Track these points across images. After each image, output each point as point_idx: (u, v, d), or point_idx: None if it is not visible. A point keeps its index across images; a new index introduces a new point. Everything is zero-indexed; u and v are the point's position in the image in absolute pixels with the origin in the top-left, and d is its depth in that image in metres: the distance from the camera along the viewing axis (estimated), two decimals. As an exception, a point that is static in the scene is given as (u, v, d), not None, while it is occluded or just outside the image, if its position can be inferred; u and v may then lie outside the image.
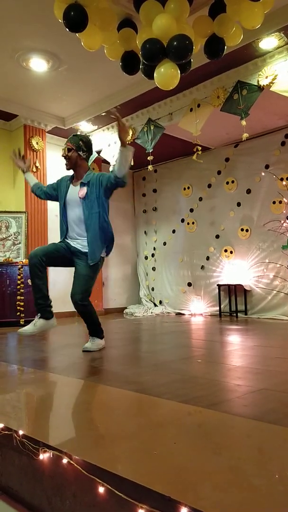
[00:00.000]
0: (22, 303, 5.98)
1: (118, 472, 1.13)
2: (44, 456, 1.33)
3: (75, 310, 3.42)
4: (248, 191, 6.79)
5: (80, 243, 3.40)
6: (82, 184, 3.38)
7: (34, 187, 3.73)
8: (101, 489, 1.12)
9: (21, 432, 1.45)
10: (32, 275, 3.29)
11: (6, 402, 2.02)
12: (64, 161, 3.43)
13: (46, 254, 3.29)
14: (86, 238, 3.36)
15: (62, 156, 3.43)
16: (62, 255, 3.40)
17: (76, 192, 3.40)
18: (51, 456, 1.31)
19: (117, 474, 1.12)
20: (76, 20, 3.54)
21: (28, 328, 3.29)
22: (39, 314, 3.33)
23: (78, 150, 3.38)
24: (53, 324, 3.42)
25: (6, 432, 1.53)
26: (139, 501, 1.02)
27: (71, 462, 1.23)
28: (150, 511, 1.00)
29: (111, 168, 3.29)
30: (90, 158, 7.02)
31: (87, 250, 3.35)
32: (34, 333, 3.31)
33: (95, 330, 3.51)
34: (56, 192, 3.59)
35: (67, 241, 3.45)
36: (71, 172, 3.53)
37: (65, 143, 3.45)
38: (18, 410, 1.90)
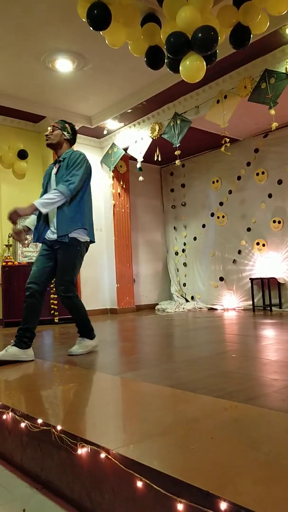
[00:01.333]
0: (55, 302, 6.07)
1: (155, 467, 1.13)
2: (82, 451, 1.35)
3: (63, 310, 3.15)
4: (279, 182, 6.64)
5: (53, 229, 3.17)
6: (58, 161, 3.28)
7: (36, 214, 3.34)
8: (139, 484, 1.13)
9: (59, 428, 1.48)
10: (24, 305, 3.21)
11: (44, 398, 2.06)
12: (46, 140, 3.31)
13: (35, 282, 3.13)
14: (57, 218, 3.13)
15: (45, 134, 3.33)
16: (51, 264, 3.19)
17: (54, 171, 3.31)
18: (89, 451, 1.33)
19: (155, 469, 1.12)
20: (99, 18, 3.56)
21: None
22: (13, 341, 3.12)
23: (63, 130, 3.30)
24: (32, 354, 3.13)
25: (44, 427, 1.56)
26: (177, 496, 1.02)
27: (109, 456, 1.25)
28: (189, 506, 1.00)
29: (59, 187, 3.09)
30: (117, 157, 7.05)
31: (64, 240, 3.09)
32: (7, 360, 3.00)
33: (84, 329, 3.28)
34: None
35: (48, 236, 3.19)
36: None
37: (50, 125, 3.40)
38: (55, 406, 1.94)
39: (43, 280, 3.14)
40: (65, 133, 3.31)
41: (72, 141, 3.39)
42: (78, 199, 3.16)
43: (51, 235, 3.16)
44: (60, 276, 3.15)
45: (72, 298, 3.17)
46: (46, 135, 3.30)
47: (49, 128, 3.36)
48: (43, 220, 3.22)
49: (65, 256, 3.13)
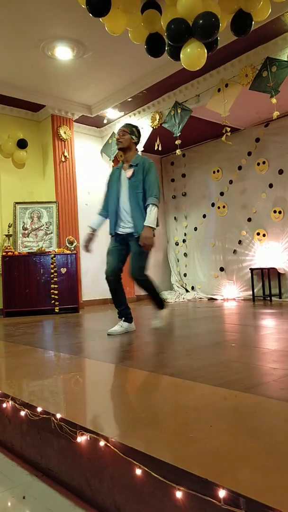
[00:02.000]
0: (56, 292, 6.08)
1: (154, 454, 1.13)
2: (81, 439, 1.35)
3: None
4: (280, 172, 6.61)
5: (129, 224, 3.66)
6: (131, 166, 3.69)
7: (103, 215, 3.89)
8: (138, 471, 1.13)
9: (58, 416, 1.48)
10: (111, 290, 3.77)
11: (45, 387, 2.07)
12: (116, 145, 3.81)
13: (115, 268, 3.71)
14: (132, 217, 3.64)
15: (116, 139, 3.76)
16: (122, 253, 3.75)
17: (125, 174, 3.73)
18: (89, 439, 1.33)
19: (154, 457, 1.12)
20: (99, 4, 3.50)
21: (115, 329, 3.73)
22: (123, 318, 3.80)
23: (132, 134, 3.71)
24: (133, 327, 3.86)
25: (44, 416, 1.56)
26: (176, 483, 1.03)
27: (108, 444, 1.25)
28: (187, 493, 1.00)
29: (148, 200, 3.59)
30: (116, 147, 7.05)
31: (135, 231, 3.62)
32: (121, 333, 3.71)
33: (158, 302, 3.86)
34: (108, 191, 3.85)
35: (119, 231, 3.72)
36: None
37: (119, 129, 3.77)
38: (55, 394, 1.95)
39: (119, 267, 3.74)
40: (134, 137, 3.73)
41: (137, 142, 3.82)
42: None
43: (125, 229, 3.68)
44: (133, 263, 3.66)
45: (146, 281, 3.70)
46: (117, 139, 3.74)
47: (118, 132, 3.75)
48: (114, 216, 3.72)
49: (137, 246, 3.61)
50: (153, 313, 3.94)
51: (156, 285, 3.82)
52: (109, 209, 3.77)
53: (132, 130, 3.72)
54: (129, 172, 3.66)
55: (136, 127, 3.81)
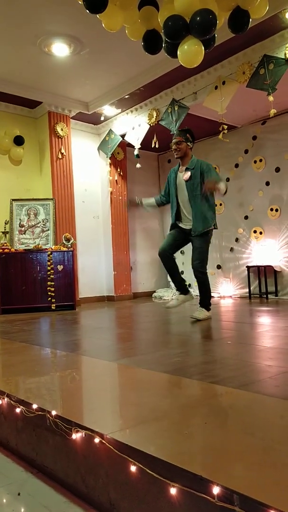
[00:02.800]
0: (52, 289, 6.08)
1: (149, 451, 1.13)
2: (76, 435, 1.36)
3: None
4: (277, 170, 6.61)
5: (189, 223, 4.04)
6: (187, 169, 3.99)
7: (157, 201, 4.36)
8: (133, 468, 1.13)
9: (54, 413, 1.48)
10: (165, 266, 4.21)
11: (41, 384, 2.07)
12: (174, 153, 4.11)
13: (169, 246, 4.14)
14: (193, 217, 3.97)
15: (173, 148, 4.05)
16: (180, 239, 4.15)
17: (182, 177, 4.03)
18: (84, 435, 1.33)
19: (148, 453, 1.12)
20: (96, 0, 3.49)
21: (173, 303, 4.24)
22: (179, 291, 4.25)
23: (187, 141, 4.01)
24: (191, 296, 4.29)
25: (40, 412, 1.56)
26: (170, 480, 1.03)
27: (103, 441, 1.25)
28: (182, 490, 1.01)
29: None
30: (114, 143, 7.07)
31: (201, 231, 3.97)
32: (179, 305, 4.28)
33: (205, 302, 4.12)
34: (168, 188, 4.22)
35: (180, 224, 4.12)
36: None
37: (174, 137, 4.06)
38: (51, 392, 1.95)
39: (173, 247, 4.19)
40: (189, 143, 4.05)
41: (192, 147, 4.14)
42: (207, 206, 4.00)
43: (186, 227, 4.10)
44: (196, 256, 4.04)
45: (205, 275, 4.07)
46: (175, 150, 4.03)
47: (174, 140, 4.03)
48: (174, 214, 4.14)
49: (198, 241, 4.01)
50: (197, 306, 4.22)
51: (210, 288, 4.15)
52: (171, 207, 4.17)
53: (186, 138, 4.02)
54: (186, 175, 3.97)
55: (189, 131, 4.10)
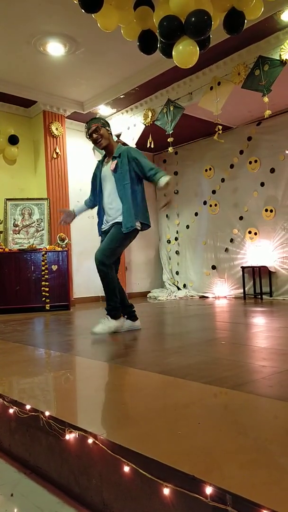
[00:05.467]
0: (47, 289, 6.06)
1: (143, 452, 1.13)
2: (70, 436, 1.35)
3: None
4: (272, 170, 6.64)
5: (114, 215, 3.45)
6: (114, 158, 3.46)
7: (87, 204, 3.82)
8: (126, 469, 1.13)
9: (47, 413, 1.48)
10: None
11: (34, 385, 2.06)
12: (90, 145, 3.63)
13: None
14: (121, 209, 3.41)
15: (94, 138, 3.45)
16: None
17: (109, 167, 3.50)
18: (77, 436, 1.33)
19: (142, 454, 1.12)
20: (91, 0, 3.48)
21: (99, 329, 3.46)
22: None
23: (104, 126, 3.47)
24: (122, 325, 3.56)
25: (33, 413, 1.56)
26: (163, 480, 1.03)
27: (97, 442, 1.25)
28: (175, 490, 1.00)
29: (151, 173, 3.41)
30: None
31: (121, 220, 3.39)
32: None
33: (111, 305, 3.44)
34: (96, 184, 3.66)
35: (104, 229, 3.56)
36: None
37: (88, 127, 3.48)
38: (45, 392, 1.94)
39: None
40: (108, 128, 3.51)
41: (111, 132, 3.58)
42: (136, 198, 3.46)
43: (111, 221, 3.48)
44: (103, 245, 3.46)
45: (108, 269, 3.41)
46: (96, 139, 3.44)
47: (91, 127, 3.45)
48: (100, 215, 3.60)
49: (114, 231, 3.41)
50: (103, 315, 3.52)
51: (121, 290, 3.52)
52: (98, 207, 3.62)
53: (103, 123, 3.48)
54: (113, 165, 3.43)
55: (102, 118, 3.60)
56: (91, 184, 3.71)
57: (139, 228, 3.48)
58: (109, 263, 3.37)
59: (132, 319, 3.62)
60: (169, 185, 3.36)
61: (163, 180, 3.33)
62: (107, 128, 3.48)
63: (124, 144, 3.49)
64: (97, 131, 3.42)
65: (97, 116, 3.56)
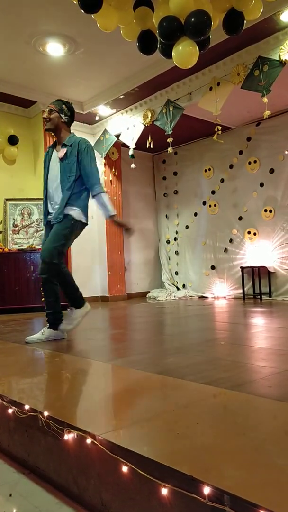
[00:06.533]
0: (46, 289, 6.05)
1: (141, 452, 1.13)
2: (68, 436, 1.35)
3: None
4: (271, 171, 6.64)
5: (57, 207, 3.26)
6: (63, 145, 3.27)
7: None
8: (124, 469, 1.13)
9: (46, 414, 1.48)
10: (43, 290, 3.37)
11: (34, 385, 2.06)
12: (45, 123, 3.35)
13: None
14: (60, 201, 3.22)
15: (43, 117, 3.36)
16: None
17: (56, 155, 3.31)
18: (76, 436, 1.33)
19: (140, 454, 1.12)
20: (90, 0, 3.48)
21: (36, 337, 3.29)
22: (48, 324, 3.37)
23: (60, 112, 3.30)
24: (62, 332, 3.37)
25: (32, 413, 1.56)
26: (162, 480, 1.03)
27: (95, 442, 1.25)
28: (173, 490, 1.01)
29: (95, 189, 3.24)
30: (109, 143, 7.02)
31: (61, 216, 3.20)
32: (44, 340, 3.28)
33: (74, 297, 3.32)
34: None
35: (50, 218, 3.30)
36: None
37: (47, 106, 3.35)
38: (44, 392, 1.94)
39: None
40: (63, 115, 3.30)
41: (70, 123, 3.38)
42: (79, 190, 3.26)
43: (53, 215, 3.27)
44: (47, 243, 3.21)
45: (58, 266, 3.19)
46: (44, 118, 3.31)
47: (45, 110, 3.33)
48: (45, 203, 3.36)
49: (58, 226, 3.20)
50: (67, 313, 3.37)
51: (72, 279, 3.33)
52: (44, 196, 3.36)
53: (61, 108, 3.30)
54: (61, 153, 3.23)
55: (67, 103, 3.37)
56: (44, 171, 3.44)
57: (82, 221, 3.27)
58: (58, 260, 3.17)
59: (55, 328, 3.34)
60: (122, 225, 3.41)
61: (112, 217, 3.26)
62: (62, 115, 3.29)
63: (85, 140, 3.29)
64: (49, 113, 3.27)
65: (63, 99, 3.42)
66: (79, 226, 3.28)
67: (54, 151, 3.35)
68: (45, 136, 6.77)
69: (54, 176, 3.29)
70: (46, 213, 3.34)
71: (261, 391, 1.74)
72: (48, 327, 3.31)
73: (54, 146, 3.40)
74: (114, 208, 3.28)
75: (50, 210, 3.30)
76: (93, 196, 3.25)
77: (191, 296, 7.78)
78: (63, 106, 3.32)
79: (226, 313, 5.10)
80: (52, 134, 3.40)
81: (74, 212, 3.20)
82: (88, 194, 3.31)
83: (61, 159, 3.24)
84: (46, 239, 3.26)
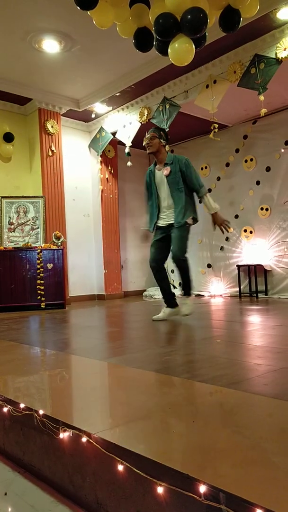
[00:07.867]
0: (42, 287, 6.04)
1: (137, 450, 1.13)
2: (64, 435, 1.35)
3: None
4: (268, 169, 6.64)
5: (170, 215, 4.08)
6: (166, 164, 4.06)
7: (153, 210, 4.29)
8: (120, 467, 1.13)
9: (41, 412, 1.47)
10: (157, 278, 4.25)
11: (29, 383, 2.05)
12: (141, 149, 4.08)
13: (160, 256, 4.18)
14: (175, 210, 4.03)
15: (145, 144, 4.11)
16: (165, 241, 4.16)
17: (161, 173, 4.09)
18: (71, 435, 1.32)
19: (135, 452, 1.12)
20: (86, -3, 3.46)
21: (160, 315, 4.17)
22: (166, 304, 4.25)
23: (160, 138, 4.09)
24: (178, 310, 4.21)
25: (27, 412, 1.55)
26: (157, 479, 1.02)
27: (91, 440, 1.24)
28: (168, 489, 1.00)
29: (201, 192, 4.13)
30: (105, 141, 7.03)
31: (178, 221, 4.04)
32: (164, 319, 4.18)
33: (187, 289, 4.22)
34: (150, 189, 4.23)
35: (159, 223, 4.15)
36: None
37: (148, 133, 4.13)
38: (40, 391, 1.93)
39: (160, 257, 4.22)
40: (162, 140, 4.13)
41: (166, 144, 4.25)
42: (190, 200, 4.13)
43: (166, 222, 4.14)
44: (176, 244, 4.06)
45: (186, 262, 4.13)
46: (147, 144, 4.11)
47: (147, 135, 4.12)
48: (155, 213, 4.19)
49: (178, 230, 4.06)
50: (180, 300, 4.23)
51: (190, 275, 4.19)
52: (150, 207, 4.20)
53: (160, 134, 4.12)
54: (166, 171, 4.02)
55: (163, 130, 4.28)
56: (146, 191, 4.28)
57: (190, 223, 4.12)
58: (186, 257, 4.11)
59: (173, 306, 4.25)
60: (223, 221, 4.27)
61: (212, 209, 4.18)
62: (162, 140, 4.11)
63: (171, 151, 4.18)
64: (151, 139, 4.08)
65: (162, 128, 4.38)
66: (189, 227, 4.17)
67: (156, 170, 4.16)
68: (40, 133, 6.74)
69: (163, 189, 4.09)
70: (156, 219, 4.16)
71: (257, 389, 1.74)
72: (166, 307, 4.21)
73: (154, 164, 4.21)
74: (216, 206, 4.18)
75: (163, 216, 4.14)
76: (199, 197, 4.10)
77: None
78: (161, 132, 4.16)
79: (222, 311, 5.11)
80: (152, 155, 4.19)
81: (189, 219, 4.09)
82: (193, 196, 4.15)
83: (168, 176, 4.04)
84: (157, 239, 4.19)
